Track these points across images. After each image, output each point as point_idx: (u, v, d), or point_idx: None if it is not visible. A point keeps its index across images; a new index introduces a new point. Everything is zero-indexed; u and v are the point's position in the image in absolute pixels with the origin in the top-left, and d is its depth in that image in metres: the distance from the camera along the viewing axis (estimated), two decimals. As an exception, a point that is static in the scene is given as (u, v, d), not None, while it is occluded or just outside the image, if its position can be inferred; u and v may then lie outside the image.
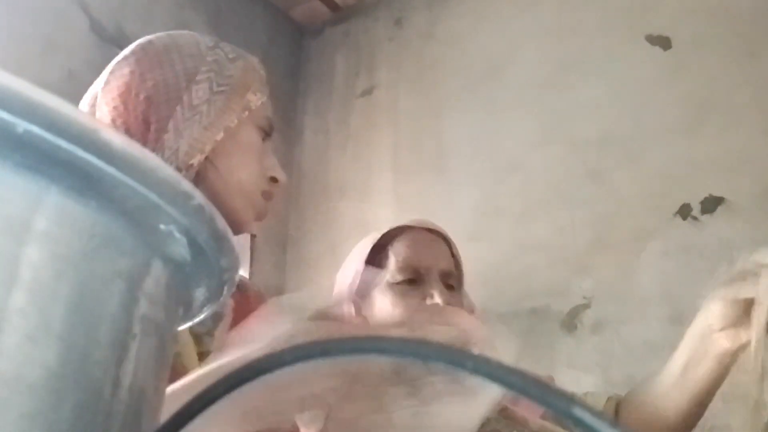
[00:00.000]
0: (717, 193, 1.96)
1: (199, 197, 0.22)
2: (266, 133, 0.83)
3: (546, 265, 2.14)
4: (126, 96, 0.75)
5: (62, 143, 0.18)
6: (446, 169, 2.53)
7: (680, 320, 1.92)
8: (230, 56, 0.81)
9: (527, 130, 2.36)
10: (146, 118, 0.74)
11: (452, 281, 1.01)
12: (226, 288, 0.26)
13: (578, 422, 0.18)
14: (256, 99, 0.80)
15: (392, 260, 0.99)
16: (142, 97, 0.74)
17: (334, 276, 2.77)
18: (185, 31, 0.84)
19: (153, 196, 0.21)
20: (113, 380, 0.20)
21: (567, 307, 2.10)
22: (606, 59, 2.26)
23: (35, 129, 0.18)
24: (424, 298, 0.94)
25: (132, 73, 0.76)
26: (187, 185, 0.22)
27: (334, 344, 0.22)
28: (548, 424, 1.04)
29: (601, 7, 2.34)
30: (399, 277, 0.97)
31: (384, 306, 0.94)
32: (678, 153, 2.05)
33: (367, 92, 2.87)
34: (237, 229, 0.80)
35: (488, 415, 1.00)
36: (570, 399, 0.18)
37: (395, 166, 2.69)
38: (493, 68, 2.53)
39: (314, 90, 3.05)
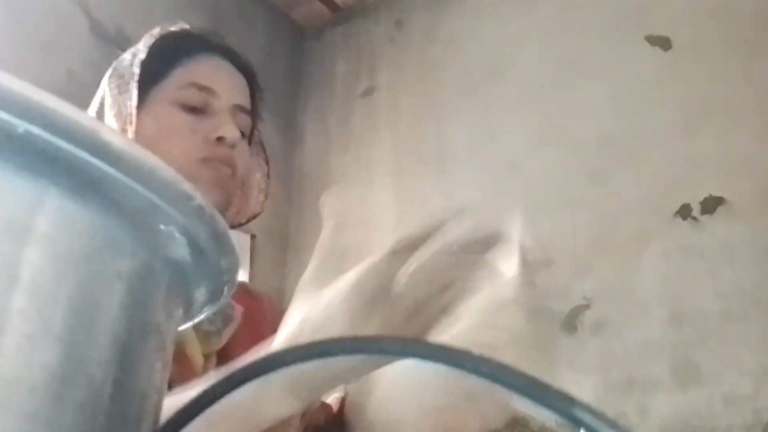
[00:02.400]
0: (717, 194, 1.96)
1: (199, 198, 0.22)
2: (193, 107, 0.75)
3: (547, 266, 2.14)
4: None
5: (62, 144, 0.18)
6: (446, 170, 2.53)
7: (680, 321, 1.92)
8: (135, 49, 0.78)
9: (527, 131, 2.36)
10: None
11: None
12: (226, 288, 0.26)
13: (578, 422, 0.18)
14: (134, 72, 0.75)
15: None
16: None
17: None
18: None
19: (153, 197, 0.21)
20: (113, 381, 0.20)
21: (567, 308, 2.10)
22: (606, 60, 2.27)
23: (35, 129, 0.18)
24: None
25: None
26: (187, 186, 0.22)
27: (335, 344, 0.22)
28: (548, 424, 1.04)
29: (601, 9, 2.34)
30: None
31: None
32: (678, 154, 2.05)
33: (368, 93, 2.87)
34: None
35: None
36: (570, 399, 0.18)
37: (396, 166, 2.69)
38: (493, 70, 2.53)
39: (315, 91, 3.06)
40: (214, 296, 0.27)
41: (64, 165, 0.19)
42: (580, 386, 1.96)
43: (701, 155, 2.01)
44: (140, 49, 0.77)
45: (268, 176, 0.89)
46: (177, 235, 0.22)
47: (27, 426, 0.18)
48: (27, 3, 2.01)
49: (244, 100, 0.82)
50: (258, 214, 0.88)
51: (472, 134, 2.50)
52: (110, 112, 0.75)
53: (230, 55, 0.83)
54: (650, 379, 1.91)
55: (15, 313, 0.18)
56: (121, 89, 0.75)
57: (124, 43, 2.32)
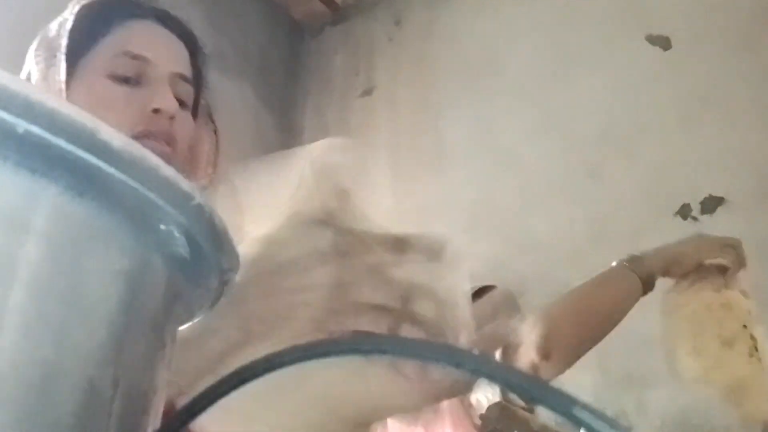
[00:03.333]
0: (717, 193, 1.96)
1: (199, 197, 0.22)
2: (126, 77, 0.70)
3: (544, 262, 2.14)
4: None
5: (62, 143, 0.18)
6: (445, 168, 2.53)
7: (679, 319, 1.92)
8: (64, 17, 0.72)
9: (525, 128, 2.36)
10: None
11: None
12: (226, 288, 0.26)
13: (578, 422, 0.18)
14: (63, 37, 0.70)
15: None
16: None
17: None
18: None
19: (152, 196, 0.21)
20: (112, 379, 0.20)
21: (566, 307, 2.10)
22: (605, 56, 2.27)
23: (35, 129, 0.18)
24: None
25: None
26: (187, 185, 0.22)
27: (334, 344, 0.22)
28: (549, 423, 1.04)
29: (599, 4, 2.34)
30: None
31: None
32: (677, 152, 2.05)
33: (367, 92, 2.87)
34: None
35: (489, 415, 1.00)
36: (570, 399, 0.18)
37: (394, 164, 2.69)
38: (492, 67, 2.53)
39: (314, 89, 3.05)
40: (214, 295, 0.27)
41: (63, 163, 0.19)
42: (579, 383, 1.97)
43: (700, 153, 2.01)
44: (67, 18, 0.72)
45: (216, 148, 0.84)
46: (176, 234, 0.22)
47: (24, 424, 0.18)
48: (27, 3, 2.01)
49: (184, 68, 0.75)
50: (206, 187, 0.81)
51: (471, 132, 2.50)
52: (39, 87, 0.70)
53: (166, 20, 0.76)
54: (649, 376, 1.92)
55: (13, 311, 0.18)
56: (49, 62, 0.70)
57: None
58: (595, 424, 0.18)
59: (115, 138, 0.19)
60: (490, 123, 2.46)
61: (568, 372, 2.01)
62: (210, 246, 0.23)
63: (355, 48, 2.99)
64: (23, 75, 0.75)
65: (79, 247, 0.20)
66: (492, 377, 0.19)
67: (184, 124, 0.73)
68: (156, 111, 0.68)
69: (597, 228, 2.13)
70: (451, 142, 2.55)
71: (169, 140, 0.70)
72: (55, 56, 0.70)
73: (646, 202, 2.06)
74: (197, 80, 0.79)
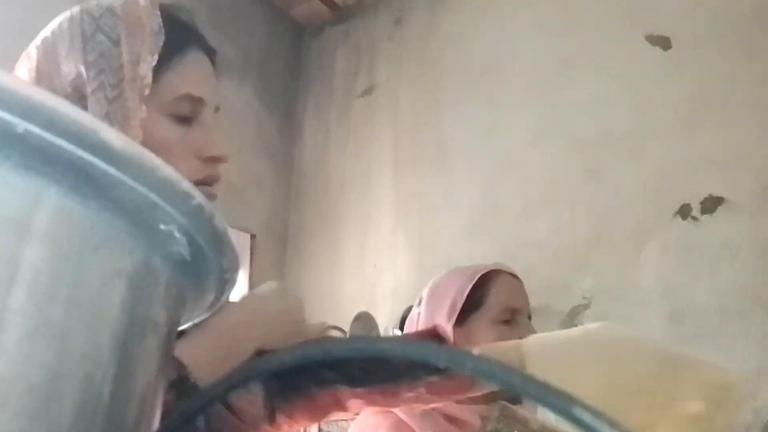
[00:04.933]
0: (717, 193, 1.96)
1: (198, 197, 0.22)
2: (185, 117, 0.69)
3: (545, 263, 2.14)
4: None
5: (62, 143, 0.18)
6: (446, 167, 2.53)
7: (680, 319, 1.92)
8: (112, 36, 0.67)
9: (527, 128, 2.36)
10: None
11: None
12: (226, 288, 0.26)
13: (578, 422, 0.18)
14: (146, 74, 0.65)
15: (493, 300, 1.11)
16: None
17: (333, 276, 2.76)
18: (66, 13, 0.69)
19: (153, 196, 0.21)
20: (112, 379, 0.20)
21: (567, 307, 2.10)
22: (606, 57, 2.27)
23: (35, 129, 0.18)
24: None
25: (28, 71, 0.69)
26: (186, 185, 0.22)
27: (334, 345, 0.22)
28: (548, 424, 1.04)
29: (601, 6, 2.34)
30: (501, 318, 1.10)
31: (486, 342, 1.06)
32: (678, 152, 2.05)
33: (367, 91, 2.87)
34: None
35: (488, 415, 1.00)
36: (570, 399, 0.18)
37: (395, 164, 2.69)
38: (492, 67, 2.53)
39: (314, 89, 3.06)
40: (213, 295, 0.27)
41: (64, 164, 0.19)
42: (580, 385, 1.96)
43: (701, 154, 2.01)
44: (142, 47, 0.67)
45: None
46: (177, 234, 0.22)
47: (26, 424, 0.18)
48: (27, 2, 2.01)
49: (219, 99, 0.75)
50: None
51: (472, 131, 2.50)
52: (97, 111, 0.65)
53: (207, 49, 0.74)
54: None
55: (14, 312, 0.18)
56: (109, 97, 0.66)
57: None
58: (595, 424, 0.18)
59: (116, 138, 0.19)
60: (491, 123, 2.46)
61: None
62: (210, 246, 0.23)
63: (356, 48, 2.99)
64: (65, 76, 0.68)
65: (79, 247, 0.20)
66: (492, 377, 0.19)
67: None
68: (213, 158, 0.70)
69: (598, 228, 2.13)
70: (452, 142, 2.55)
71: (218, 181, 0.71)
72: (120, 89, 0.66)
73: (647, 203, 2.06)
74: None
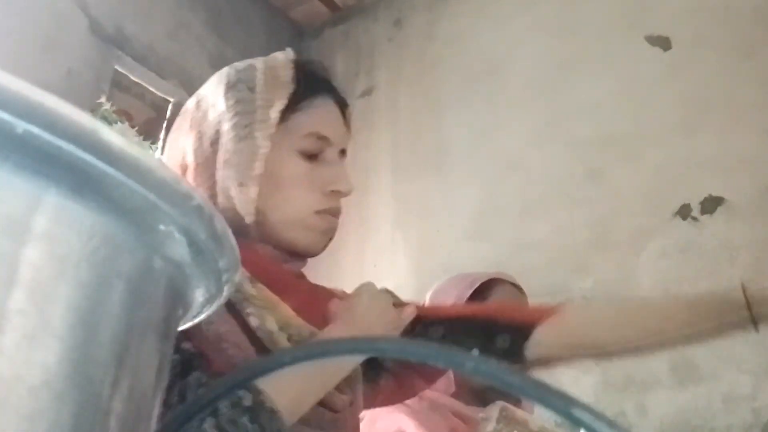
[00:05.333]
0: (717, 193, 1.96)
1: (198, 197, 0.22)
2: (311, 154, 0.78)
3: (545, 264, 2.14)
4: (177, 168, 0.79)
5: (62, 143, 0.18)
6: (445, 169, 2.53)
7: (680, 320, 1.92)
8: (251, 85, 0.78)
9: (527, 130, 2.36)
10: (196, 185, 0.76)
11: None
12: (226, 288, 0.26)
13: (578, 422, 0.18)
14: (275, 116, 0.76)
15: None
16: (187, 170, 0.78)
17: (333, 276, 2.78)
18: (213, 77, 0.82)
19: (152, 197, 0.21)
20: (113, 380, 0.20)
21: (567, 308, 2.10)
22: (606, 59, 2.27)
23: (35, 129, 0.18)
24: None
25: (170, 146, 0.81)
26: (186, 185, 0.22)
27: (334, 344, 0.22)
28: (548, 424, 1.04)
29: (600, 7, 2.34)
30: None
31: None
32: (678, 153, 2.05)
33: (367, 93, 2.87)
34: (305, 255, 0.82)
35: (488, 416, 1.00)
36: (570, 399, 0.18)
37: (395, 165, 2.69)
38: (492, 68, 2.53)
39: (314, 90, 3.05)
40: (213, 295, 0.27)
41: (64, 164, 0.19)
42: (579, 385, 1.97)
43: (701, 155, 2.01)
44: (274, 94, 0.77)
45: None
46: (177, 234, 0.22)
47: (26, 425, 0.18)
48: (26, 3, 2.01)
49: (347, 143, 0.84)
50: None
51: (471, 133, 2.50)
52: (229, 158, 0.75)
53: (338, 97, 0.84)
54: (649, 378, 1.92)
55: (14, 312, 0.18)
56: (241, 135, 0.75)
57: (123, 42, 2.32)
58: (595, 424, 0.18)
59: (116, 139, 0.19)
60: (491, 125, 2.46)
61: (569, 373, 2.01)
62: (210, 246, 0.23)
63: (355, 49, 2.99)
64: (211, 127, 0.79)
65: (79, 247, 0.20)
66: (492, 377, 0.19)
67: None
68: (335, 192, 0.79)
69: (598, 229, 2.13)
70: (452, 143, 2.55)
71: (339, 214, 0.81)
72: (251, 129, 0.75)
73: (647, 203, 2.06)
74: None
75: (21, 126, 0.18)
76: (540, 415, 1.08)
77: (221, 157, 0.76)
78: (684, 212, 2.00)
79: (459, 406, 1.06)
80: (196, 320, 0.28)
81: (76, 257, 0.20)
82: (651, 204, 2.05)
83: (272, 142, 0.75)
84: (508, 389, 0.19)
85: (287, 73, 0.79)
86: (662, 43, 2.18)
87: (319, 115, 0.80)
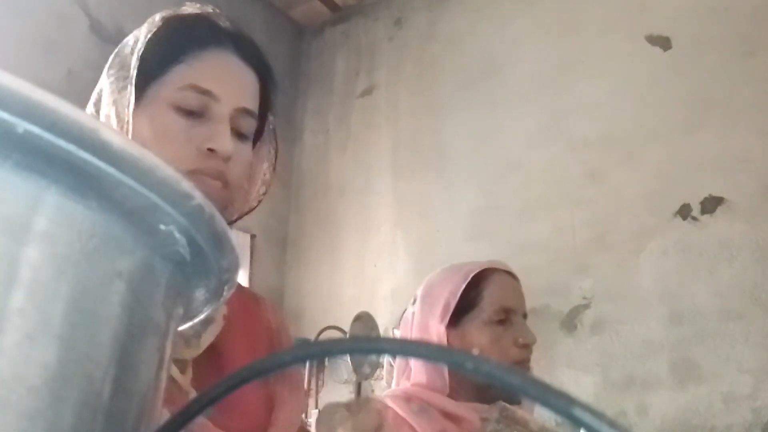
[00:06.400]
0: (717, 193, 1.96)
1: (198, 197, 0.22)
2: (191, 110, 0.70)
3: (545, 264, 2.14)
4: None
5: (62, 143, 0.18)
6: (446, 169, 2.53)
7: (680, 320, 1.92)
8: (137, 36, 0.72)
9: (527, 130, 2.36)
10: None
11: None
12: (226, 288, 0.26)
13: (578, 422, 0.18)
14: (133, 65, 0.69)
15: (487, 301, 1.11)
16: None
17: (333, 276, 2.76)
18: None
19: (153, 196, 0.21)
20: (113, 380, 0.20)
21: (567, 308, 2.10)
22: (606, 59, 2.27)
23: (35, 129, 0.18)
24: (515, 340, 1.08)
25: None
26: (186, 185, 0.22)
27: (334, 344, 0.22)
28: (548, 424, 1.04)
29: (600, 7, 2.34)
30: (495, 318, 1.09)
31: (480, 343, 1.07)
32: (678, 153, 2.05)
33: (367, 92, 2.87)
34: None
35: (488, 416, 1.00)
36: (570, 399, 0.18)
37: (395, 165, 2.69)
38: (492, 68, 2.53)
39: (314, 90, 3.06)
40: (214, 296, 0.27)
41: (64, 164, 0.19)
42: (580, 385, 1.97)
43: (701, 155, 2.01)
44: (140, 38, 0.71)
45: (274, 167, 0.84)
46: (177, 234, 0.22)
47: (26, 425, 0.18)
48: (27, 3, 2.01)
49: (250, 101, 0.75)
50: (254, 208, 0.82)
51: (472, 132, 2.51)
52: (109, 110, 0.70)
53: (243, 50, 0.75)
54: (650, 378, 1.92)
55: (14, 312, 0.18)
56: (120, 86, 0.70)
57: (123, 42, 2.32)
58: (595, 424, 0.18)
59: (116, 138, 0.19)
60: (491, 125, 2.46)
61: (568, 372, 2.01)
62: (210, 246, 0.23)
63: (356, 48, 2.99)
64: (96, 91, 0.73)
65: (79, 247, 0.20)
66: (491, 377, 0.19)
67: (240, 159, 0.73)
68: (211, 150, 0.69)
69: (598, 229, 2.13)
70: (452, 143, 2.55)
71: (220, 177, 0.70)
72: (126, 78, 0.70)
73: (647, 203, 2.06)
74: (264, 108, 0.79)
75: (21, 126, 0.18)
76: (540, 415, 1.08)
77: (103, 112, 0.70)
78: (684, 212, 2.00)
79: (452, 406, 1.05)
80: (196, 320, 0.28)
81: (76, 257, 0.20)
82: (651, 204, 2.05)
83: (150, 96, 0.69)
84: (508, 389, 0.19)
85: (175, 23, 0.72)
86: (662, 43, 2.18)
87: (206, 68, 0.71)
